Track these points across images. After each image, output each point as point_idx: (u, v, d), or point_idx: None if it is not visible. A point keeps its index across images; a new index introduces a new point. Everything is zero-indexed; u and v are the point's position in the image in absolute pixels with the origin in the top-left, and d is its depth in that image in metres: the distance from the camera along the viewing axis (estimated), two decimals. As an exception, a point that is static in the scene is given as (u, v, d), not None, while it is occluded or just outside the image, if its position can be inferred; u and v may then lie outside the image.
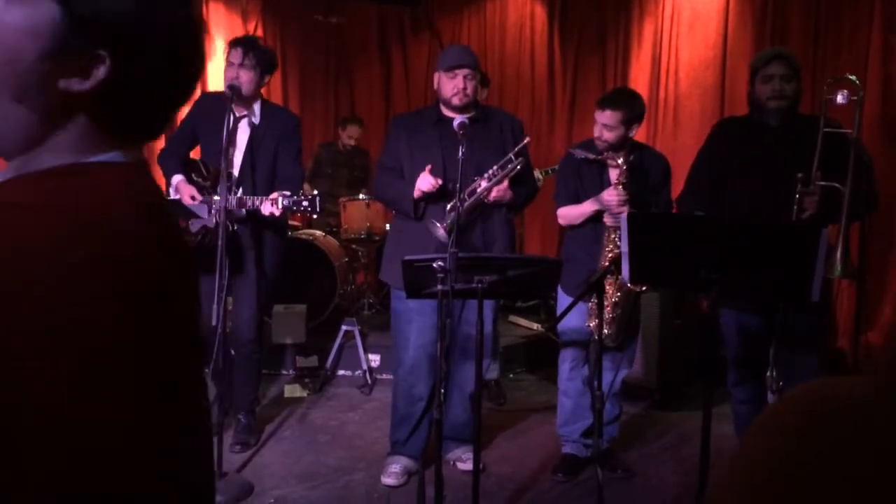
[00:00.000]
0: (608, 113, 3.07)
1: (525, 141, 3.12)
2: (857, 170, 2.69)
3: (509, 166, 3.06)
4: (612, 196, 2.99)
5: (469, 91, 3.11)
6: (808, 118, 3.00)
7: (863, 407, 0.61)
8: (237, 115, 3.37)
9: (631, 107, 3.08)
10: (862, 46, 4.60)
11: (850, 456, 0.58)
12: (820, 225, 2.60)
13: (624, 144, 3.09)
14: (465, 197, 2.97)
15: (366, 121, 6.65)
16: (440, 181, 3.01)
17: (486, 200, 3.06)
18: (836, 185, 2.70)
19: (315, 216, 3.88)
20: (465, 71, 3.10)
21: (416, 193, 3.05)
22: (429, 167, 3.04)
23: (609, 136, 3.07)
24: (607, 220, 3.02)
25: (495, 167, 3.05)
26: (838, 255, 2.66)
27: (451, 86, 3.11)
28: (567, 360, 3.27)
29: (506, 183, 3.07)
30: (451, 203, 2.98)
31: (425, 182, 3.02)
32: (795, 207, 2.75)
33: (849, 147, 2.71)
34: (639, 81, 5.71)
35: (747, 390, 3.06)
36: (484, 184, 3.03)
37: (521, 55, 6.61)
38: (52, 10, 0.74)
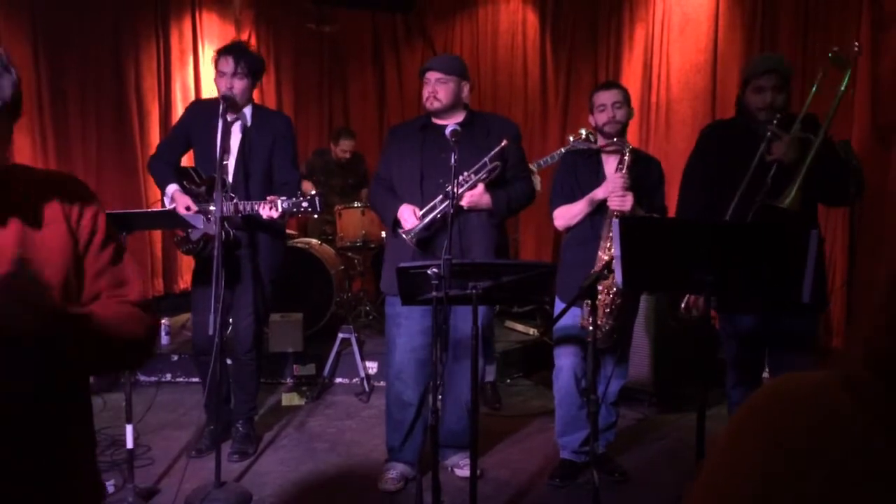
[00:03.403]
0: (613, 91, 3.15)
1: (502, 145, 3.06)
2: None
3: (483, 171, 3.05)
4: (617, 179, 3.00)
5: (440, 95, 3.11)
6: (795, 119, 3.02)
7: (829, 397, 0.63)
8: (229, 120, 3.36)
9: (624, 88, 3.22)
10: (851, 48, 4.62)
11: (822, 441, 0.60)
12: (811, 227, 2.62)
13: (623, 133, 3.14)
14: (437, 204, 3.03)
15: (360, 128, 6.66)
16: (415, 223, 3.04)
17: (463, 206, 3.04)
18: (810, 136, 2.73)
19: (316, 216, 3.86)
20: (436, 75, 3.12)
21: (401, 223, 3.10)
22: (415, 209, 3.06)
23: (620, 113, 3.11)
24: (612, 203, 3.00)
25: (466, 172, 3.03)
26: (795, 187, 2.70)
27: (424, 91, 3.15)
28: (563, 370, 3.26)
29: (480, 188, 3.05)
30: (423, 210, 3.05)
31: (407, 223, 3.07)
32: (762, 145, 2.79)
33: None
34: (630, 86, 5.70)
35: (744, 391, 3.06)
36: (458, 190, 3.04)
37: (513, 61, 6.64)
38: None
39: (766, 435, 0.63)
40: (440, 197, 3.03)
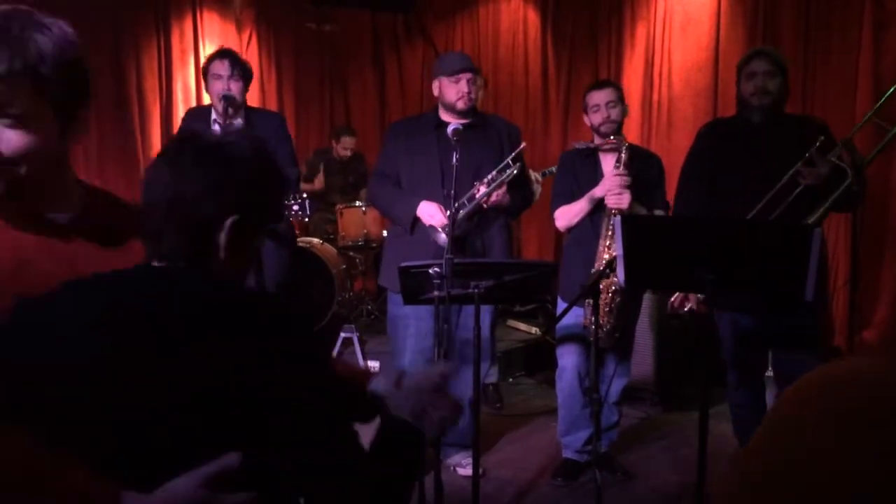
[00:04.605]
0: (607, 90, 3.14)
1: (521, 146, 3.14)
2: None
3: (507, 171, 3.08)
4: (614, 178, 3.00)
5: (472, 95, 3.17)
6: (795, 117, 3.01)
7: (880, 381, 0.63)
8: (223, 123, 3.37)
9: (618, 86, 3.22)
10: (853, 46, 4.62)
11: (873, 427, 0.60)
12: (814, 225, 2.63)
13: (619, 131, 3.14)
14: (465, 202, 3.00)
15: (361, 127, 6.66)
16: (445, 221, 3.00)
17: (484, 205, 3.08)
18: (845, 166, 2.72)
19: (307, 219, 3.87)
20: (469, 75, 3.15)
21: (425, 220, 3.06)
22: (440, 206, 3.04)
23: (615, 112, 3.11)
24: (609, 201, 3.00)
25: (494, 172, 3.07)
26: (816, 217, 2.75)
27: (455, 90, 3.14)
28: (566, 370, 3.25)
29: (504, 187, 3.09)
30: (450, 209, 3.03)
31: (435, 219, 3.04)
32: (798, 165, 2.77)
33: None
34: (632, 84, 5.73)
35: (745, 392, 3.06)
36: (483, 189, 3.05)
37: (514, 60, 6.63)
38: None
39: (817, 416, 0.63)
40: (468, 195, 3.04)
